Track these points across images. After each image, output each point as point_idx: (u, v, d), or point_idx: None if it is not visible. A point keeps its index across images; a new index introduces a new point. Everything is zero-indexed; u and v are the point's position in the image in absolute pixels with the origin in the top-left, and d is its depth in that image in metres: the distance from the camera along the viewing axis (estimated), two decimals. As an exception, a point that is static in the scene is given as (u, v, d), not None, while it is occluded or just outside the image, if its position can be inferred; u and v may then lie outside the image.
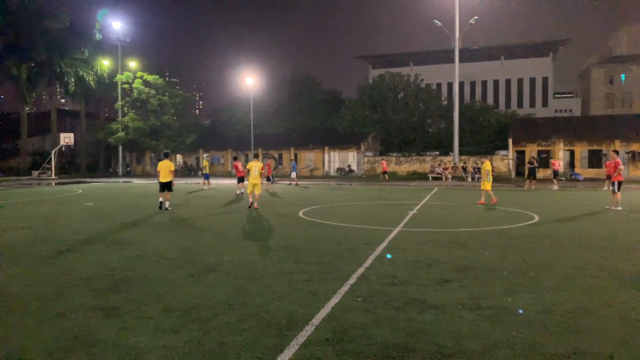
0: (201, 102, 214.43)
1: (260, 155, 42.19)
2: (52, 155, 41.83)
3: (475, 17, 34.23)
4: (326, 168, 42.83)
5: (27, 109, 48.52)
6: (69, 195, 21.23)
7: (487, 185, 15.98)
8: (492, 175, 16.29)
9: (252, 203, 14.65)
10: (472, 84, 60.91)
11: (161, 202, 14.36)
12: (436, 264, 6.84)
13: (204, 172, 26.98)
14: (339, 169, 42.10)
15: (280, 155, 44.79)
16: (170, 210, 14.24)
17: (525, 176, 26.20)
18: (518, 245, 8.40)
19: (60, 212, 14.21)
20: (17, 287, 5.79)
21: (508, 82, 60.84)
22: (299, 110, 48.67)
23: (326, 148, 42.86)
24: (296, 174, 29.57)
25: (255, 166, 14.34)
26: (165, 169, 14.35)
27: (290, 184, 28.96)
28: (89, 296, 5.37)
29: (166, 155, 15.31)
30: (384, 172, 32.44)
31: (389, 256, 7.31)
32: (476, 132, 41.03)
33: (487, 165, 16.13)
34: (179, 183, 27.56)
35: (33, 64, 43.87)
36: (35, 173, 41.81)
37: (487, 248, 8.07)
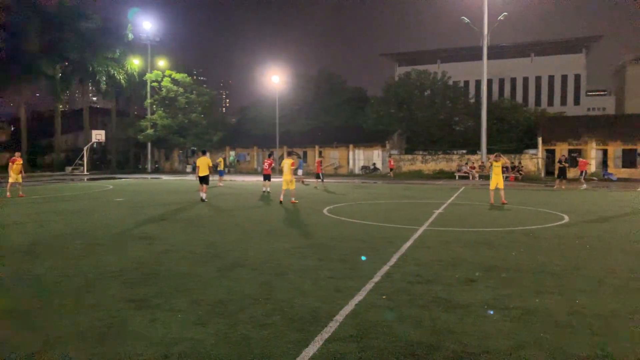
0: (228, 100, 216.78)
1: (285, 153, 42.45)
2: (85, 152, 43.06)
3: (505, 13, 33.51)
4: (351, 166, 42.77)
5: (61, 107, 50.09)
6: (100, 190, 21.85)
7: (491, 183, 15.53)
8: (498, 173, 15.43)
9: (282, 198, 15.51)
10: (501, 82, 59.72)
11: (202, 197, 16.10)
12: (462, 264, 6.78)
13: (218, 168, 27.15)
14: (364, 167, 41.97)
15: (305, 153, 44.93)
16: (206, 201, 15.88)
17: (555, 176, 25.58)
18: (547, 246, 8.24)
19: (92, 207, 14.66)
20: (53, 278, 6.02)
21: (538, 79, 59.41)
22: (324, 108, 48.69)
23: (351, 146, 42.78)
24: (302, 172, 29.97)
25: (286, 163, 15.22)
26: (204, 164, 16.21)
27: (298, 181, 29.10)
28: (120, 288, 5.55)
29: (204, 153, 17.36)
30: (391, 169, 35.64)
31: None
32: (504, 131, 40.25)
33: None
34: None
35: (67, 63, 45.26)
36: (68, 169, 43.17)
37: (515, 248, 7.95)
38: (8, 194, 17.42)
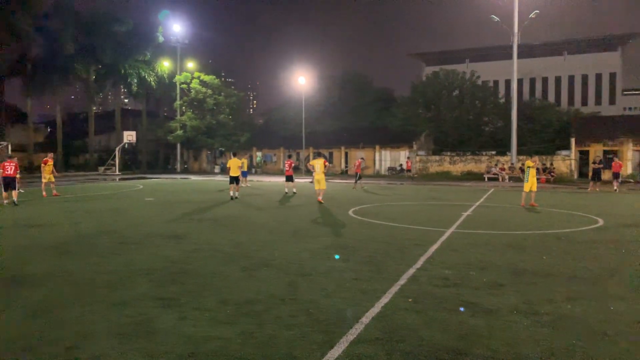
0: (255, 102, 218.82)
1: (312, 154, 42.57)
2: (116, 152, 44.21)
3: (536, 11, 32.77)
4: (377, 167, 42.53)
5: (94, 108, 51.60)
6: (130, 190, 22.39)
7: (526, 185, 15.24)
8: (534, 175, 15.13)
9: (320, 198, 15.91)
10: (532, 81, 58.31)
11: (232, 195, 17.15)
12: (490, 267, 6.65)
13: (242, 169, 27.42)
14: (390, 168, 41.68)
15: (331, 154, 44.95)
16: (237, 198, 16.95)
17: (589, 177, 24.80)
18: (580, 250, 8.00)
19: (123, 206, 15.03)
20: (86, 275, 6.20)
21: (571, 78, 57.76)
22: (350, 109, 48.56)
23: (377, 147, 42.55)
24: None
25: (317, 163, 15.66)
26: (235, 165, 17.39)
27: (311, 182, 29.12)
28: (149, 286, 5.67)
29: (234, 155, 18.71)
30: (408, 170, 35.91)
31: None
32: (536, 131, 39.26)
33: (528, 163, 15.36)
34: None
35: (100, 66, 46.61)
36: (101, 169, 44.40)
37: (546, 252, 7.74)
38: (44, 193, 18.05)
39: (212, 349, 3.84)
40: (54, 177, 18.77)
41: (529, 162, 15.33)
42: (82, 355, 3.73)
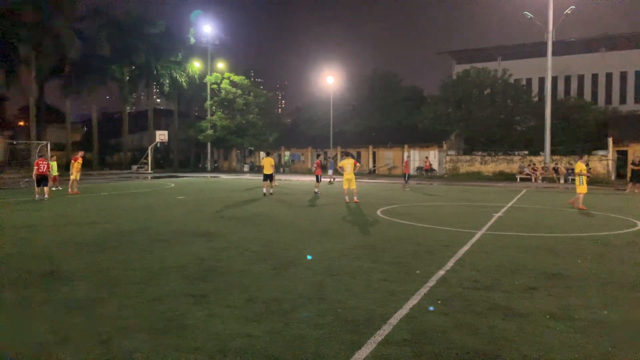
0: (283, 102, 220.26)
1: (339, 154, 42.56)
2: (149, 151, 45.30)
3: (572, 7, 31.78)
4: (406, 167, 42.11)
5: (128, 108, 53.00)
6: (162, 188, 22.90)
7: (581, 188, 14.67)
8: (584, 177, 14.67)
9: (348, 199, 15.87)
10: (567, 79, 56.59)
11: (265, 191, 18.39)
12: (522, 270, 6.50)
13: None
14: (419, 168, 41.22)
15: (359, 153, 44.78)
16: (272, 195, 18.37)
17: (628, 179, 23.89)
18: (617, 254, 7.73)
19: (155, 204, 15.39)
20: (119, 271, 6.39)
21: (609, 76, 55.76)
22: (379, 108, 48.26)
23: (406, 146, 42.13)
24: (333, 172, 30.06)
25: (348, 163, 15.63)
26: (268, 164, 18.51)
27: (330, 181, 29.18)
28: (180, 283, 5.79)
29: (268, 154, 19.59)
30: (426, 170, 35.16)
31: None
32: (570, 131, 38.09)
33: (579, 166, 14.82)
34: (258, 179, 28.53)
35: (134, 68, 47.87)
36: (134, 167, 45.59)
37: (581, 255, 7.51)
38: (72, 190, 18.50)
39: (240, 346, 3.89)
40: (79, 175, 19.12)
41: (582, 167, 14.64)
42: (116, 348, 3.85)
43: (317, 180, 20.32)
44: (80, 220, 11.43)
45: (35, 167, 16.19)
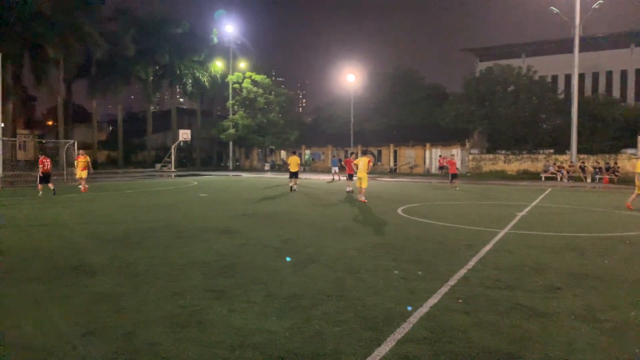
0: (304, 100, 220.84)
1: (360, 152, 42.42)
2: (172, 150, 46.02)
3: (600, 1, 30.95)
4: (427, 165, 41.73)
5: (152, 108, 53.93)
6: (185, 186, 23.23)
7: None
8: None
9: (361, 197, 15.71)
10: (595, 76, 55.12)
11: (291, 186, 19.59)
12: (546, 270, 6.37)
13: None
14: (441, 167, 40.75)
15: (380, 152, 44.57)
16: (296, 190, 19.52)
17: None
18: (646, 254, 7.49)
19: (178, 201, 15.63)
20: (142, 266, 6.51)
21: (638, 72, 54.11)
22: (400, 106, 47.87)
23: (427, 145, 41.74)
24: (336, 170, 30.12)
25: (361, 161, 15.49)
26: (294, 162, 19.68)
27: (332, 179, 29.06)
28: (201, 278, 5.86)
29: (294, 153, 21.39)
30: (441, 168, 34.87)
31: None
32: (598, 129, 37.10)
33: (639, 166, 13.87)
34: (279, 177, 28.75)
35: (158, 68, 48.68)
36: (157, 166, 46.39)
37: (608, 256, 7.32)
38: (83, 188, 18.67)
39: (260, 342, 3.92)
40: (88, 173, 19.21)
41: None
42: (139, 341, 3.92)
43: (349, 179, 19.98)
44: (106, 217, 11.68)
45: (40, 166, 17.13)
